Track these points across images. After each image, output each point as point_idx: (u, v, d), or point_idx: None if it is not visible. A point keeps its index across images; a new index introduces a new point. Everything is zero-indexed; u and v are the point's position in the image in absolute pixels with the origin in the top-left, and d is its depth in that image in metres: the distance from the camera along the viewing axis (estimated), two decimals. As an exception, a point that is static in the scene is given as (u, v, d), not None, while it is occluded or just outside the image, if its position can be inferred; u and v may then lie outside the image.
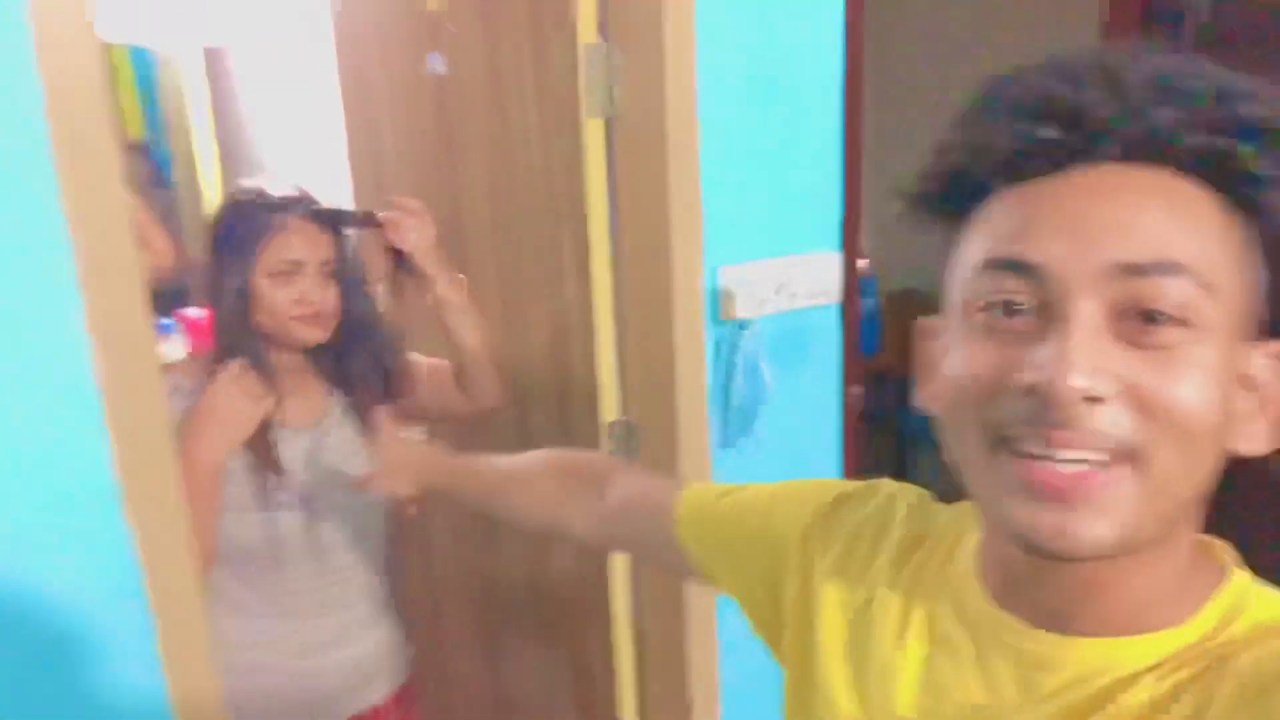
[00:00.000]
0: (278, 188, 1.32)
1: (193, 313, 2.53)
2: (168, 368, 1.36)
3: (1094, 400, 0.45)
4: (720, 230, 1.40)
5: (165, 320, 2.59)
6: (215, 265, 1.30)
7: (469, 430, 1.73)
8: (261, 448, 1.29)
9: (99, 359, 0.92)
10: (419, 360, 1.48)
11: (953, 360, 0.52)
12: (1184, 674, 0.49)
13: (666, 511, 0.82)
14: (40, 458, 0.90)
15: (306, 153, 2.58)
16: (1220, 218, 0.47)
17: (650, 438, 1.48)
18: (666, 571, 0.89)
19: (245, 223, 1.29)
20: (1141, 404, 0.46)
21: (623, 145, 1.44)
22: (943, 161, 0.52)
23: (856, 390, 1.56)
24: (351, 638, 1.41)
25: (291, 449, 1.33)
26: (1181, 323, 0.46)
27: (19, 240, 0.86)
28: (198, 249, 1.36)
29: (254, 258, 1.27)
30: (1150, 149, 0.47)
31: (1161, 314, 0.46)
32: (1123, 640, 0.51)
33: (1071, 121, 0.47)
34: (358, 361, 1.40)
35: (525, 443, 1.68)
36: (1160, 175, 0.47)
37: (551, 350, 1.61)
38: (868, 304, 3.17)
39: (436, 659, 2.04)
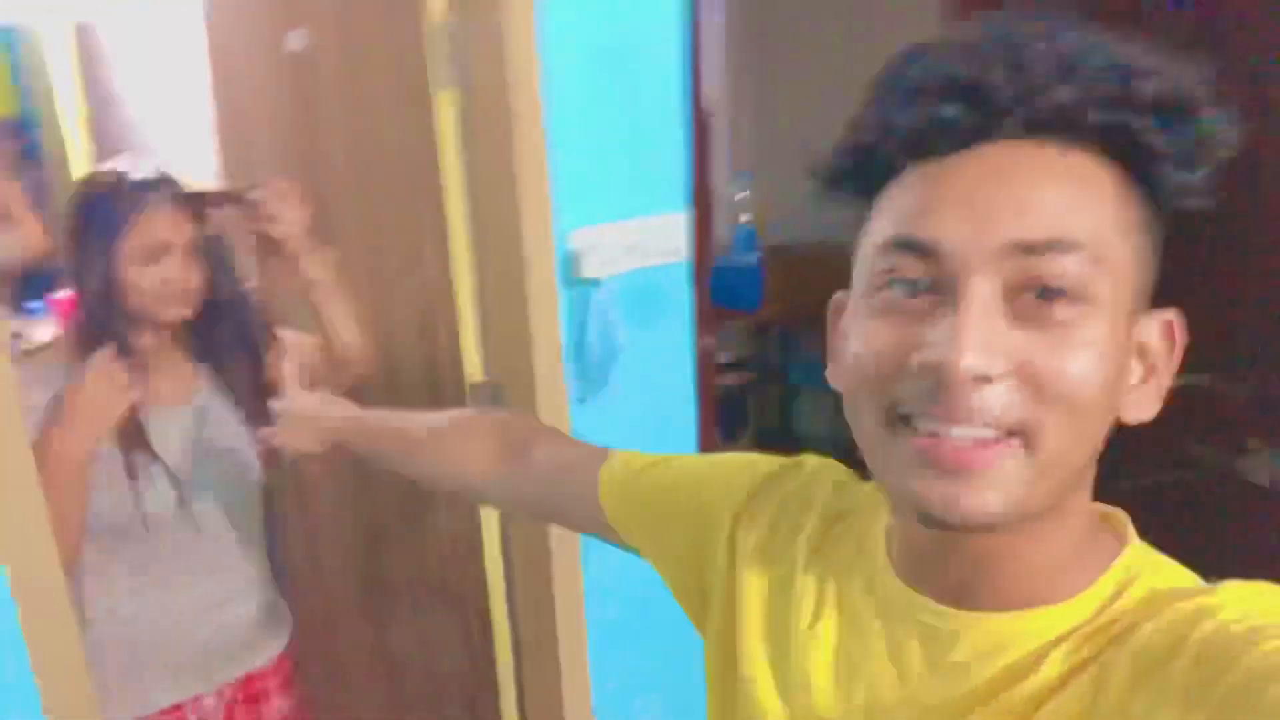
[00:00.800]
0: (139, 169, 1.33)
1: (63, 295, 2.51)
2: (35, 353, 1.38)
3: (985, 379, 0.46)
4: (571, 195, 1.47)
5: (35, 303, 2.56)
6: (77, 249, 1.32)
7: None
8: (130, 428, 1.31)
9: None
10: (287, 334, 1.52)
11: (854, 338, 0.53)
12: (1085, 651, 0.50)
13: (590, 481, 0.81)
14: None
15: (175, 129, 2.56)
16: (1118, 192, 0.49)
17: (512, 397, 1.56)
18: (584, 533, 0.88)
19: (107, 205, 1.30)
20: (1033, 381, 0.47)
21: (472, 117, 1.49)
22: (851, 139, 0.53)
23: (708, 341, 1.65)
24: (227, 603, 1.45)
25: (162, 426, 1.36)
26: (1076, 299, 0.47)
27: None
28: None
29: (118, 241, 1.28)
30: (1051, 126, 0.47)
31: (1056, 290, 0.47)
32: (1023, 614, 0.53)
33: (974, 100, 0.48)
34: (225, 337, 1.44)
35: (395, 406, 1.75)
36: (1061, 151, 0.48)
37: (417, 317, 1.67)
38: (750, 259, 3.28)
39: (319, 623, 2.09)
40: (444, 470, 1.00)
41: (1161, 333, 0.52)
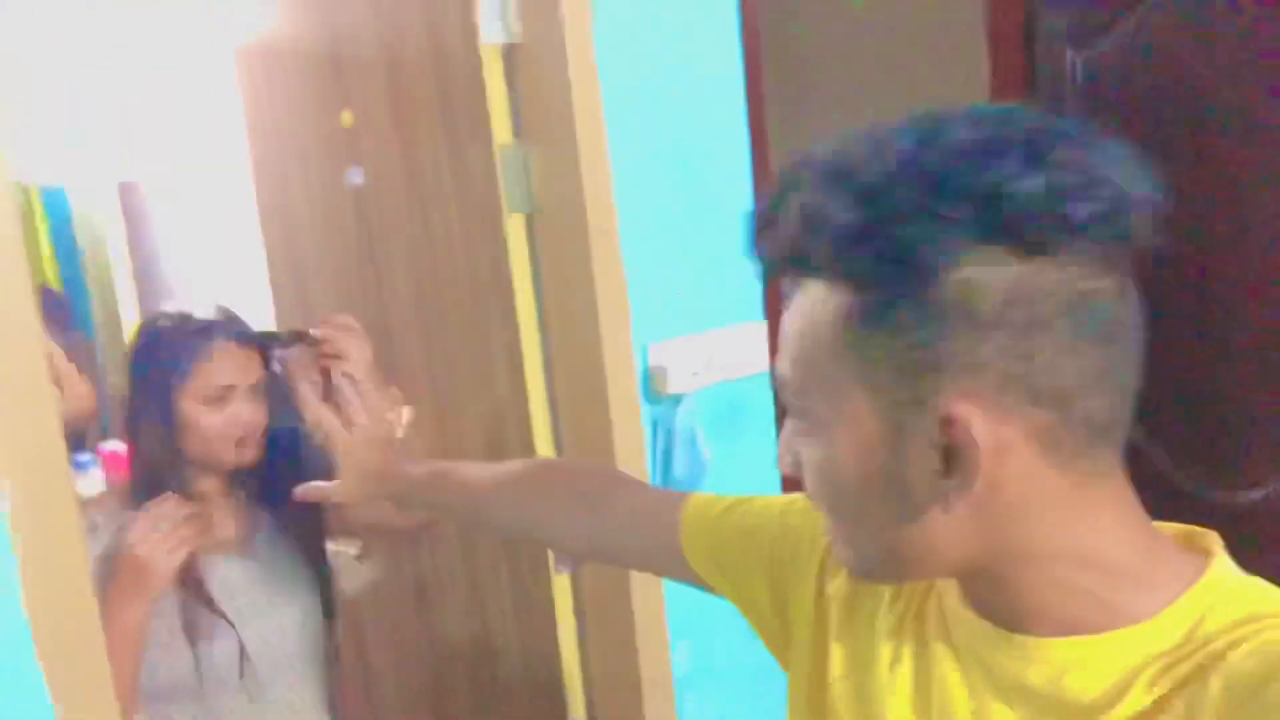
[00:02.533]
0: (200, 310, 1.30)
1: (110, 447, 2.47)
2: (85, 505, 1.31)
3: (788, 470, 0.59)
4: (646, 309, 1.44)
5: (82, 456, 2.52)
6: (138, 391, 1.27)
7: (408, 541, 1.71)
8: (189, 584, 1.23)
9: (14, 501, 0.87)
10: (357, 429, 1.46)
11: None
12: (1172, 679, 0.49)
13: (671, 525, 0.82)
14: None
15: (226, 280, 2.58)
16: (837, 309, 0.52)
17: (596, 522, 1.48)
18: (665, 577, 0.89)
19: (170, 348, 1.26)
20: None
21: (544, 238, 1.47)
22: None
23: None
24: None
25: (223, 577, 1.28)
26: (799, 416, 0.57)
27: None
28: (118, 386, 1.33)
29: (182, 384, 1.24)
30: (790, 271, 0.56)
31: (794, 409, 0.58)
32: (1088, 639, 0.52)
33: (758, 260, 0.58)
34: (287, 479, 1.37)
35: (466, 546, 1.68)
36: (810, 285, 0.54)
37: (489, 446, 1.61)
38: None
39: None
40: (514, 518, 1.01)
41: (937, 426, 0.50)
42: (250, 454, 1.30)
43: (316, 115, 1.81)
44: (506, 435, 1.58)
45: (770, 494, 0.82)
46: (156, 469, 1.25)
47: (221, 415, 1.26)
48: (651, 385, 1.44)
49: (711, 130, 1.54)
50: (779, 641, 0.74)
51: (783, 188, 0.53)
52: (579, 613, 1.56)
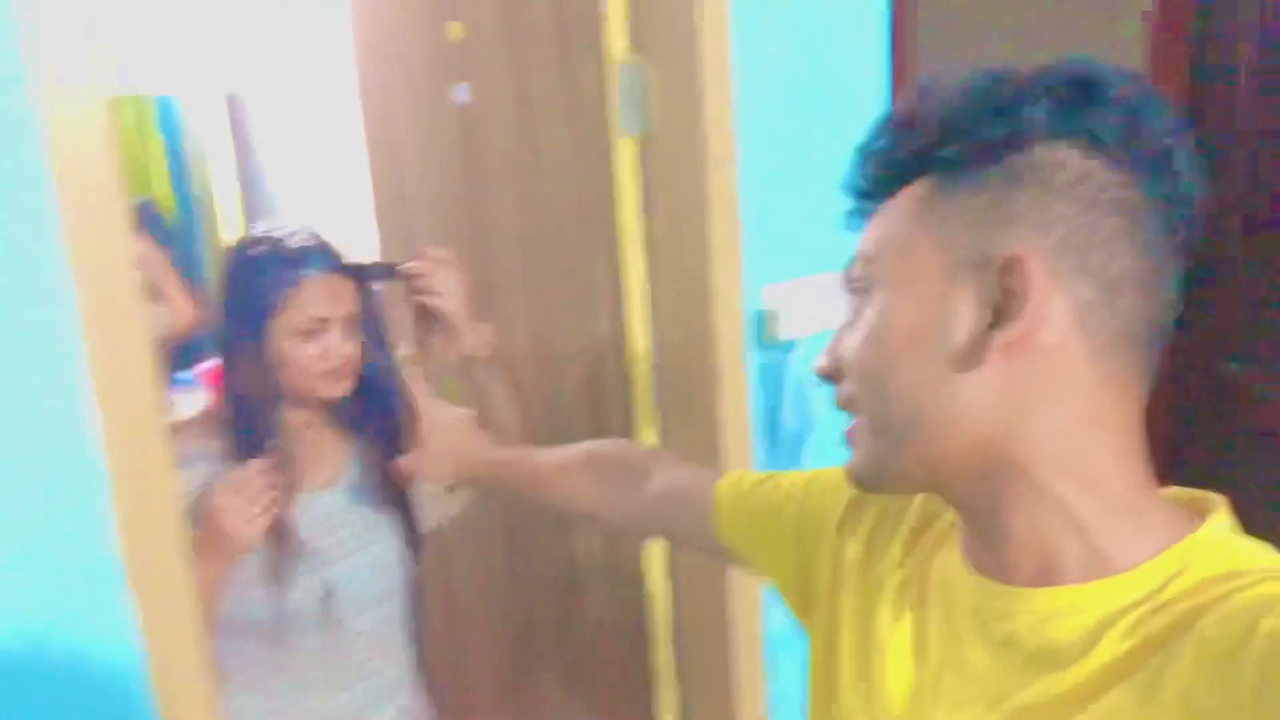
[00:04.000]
0: (295, 238, 1.23)
1: (211, 366, 2.49)
2: (181, 426, 1.29)
3: (826, 372, 0.63)
4: (761, 248, 1.34)
5: (183, 374, 2.55)
6: (230, 321, 1.23)
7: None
8: (277, 533, 1.19)
9: (104, 427, 0.83)
10: (443, 410, 1.41)
11: None
12: (1144, 632, 0.51)
13: (705, 502, 0.88)
14: (40, 528, 0.82)
15: (330, 197, 2.55)
16: (919, 201, 0.59)
17: (694, 470, 1.40)
18: (703, 555, 0.96)
19: (262, 278, 1.20)
20: (847, 364, 0.61)
21: (657, 164, 1.38)
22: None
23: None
24: (367, 710, 1.31)
25: (310, 513, 1.24)
26: (862, 291, 0.61)
27: (20, 299, 0.79)
28: (219, 303, 1.29)
29: (274, 315, 1.19)
30: (886, 183, 0.62)
31: (855, 289, 0.62)
32: (1068, 589, 0.55)
33: (852, 192, 0.65)
34: (377, 413, 1.32)
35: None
36: (903, 190, 0.60)
37: (588, 382, 1.54)
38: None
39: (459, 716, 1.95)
40: (568, 501, 1.08)
41: (995, 275, 0.55)
42: (343, 387, 1.25)
43: (425, 29, 1.73)
44: (605, 376, 1.50)
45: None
46: (248, 400, 1.21)
47: (314, 348, 1.21)
48: (762, 330, 1.35)
49: (848, 63, 1.41)
50: (802, 608, 0.78)
51: (920, 93, 0.60)
52: (672, 564, 1.50)
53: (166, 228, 3.11)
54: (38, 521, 0.82)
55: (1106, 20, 2.14)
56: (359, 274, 1.27)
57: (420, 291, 1.29)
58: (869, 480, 0.62)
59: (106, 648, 0.86)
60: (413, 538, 1.34)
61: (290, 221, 1.29)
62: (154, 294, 2.38)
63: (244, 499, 1.13)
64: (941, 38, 1.95)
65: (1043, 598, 0.56)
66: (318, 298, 1.20)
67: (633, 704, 1.56)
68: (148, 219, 3.08)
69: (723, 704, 1.43)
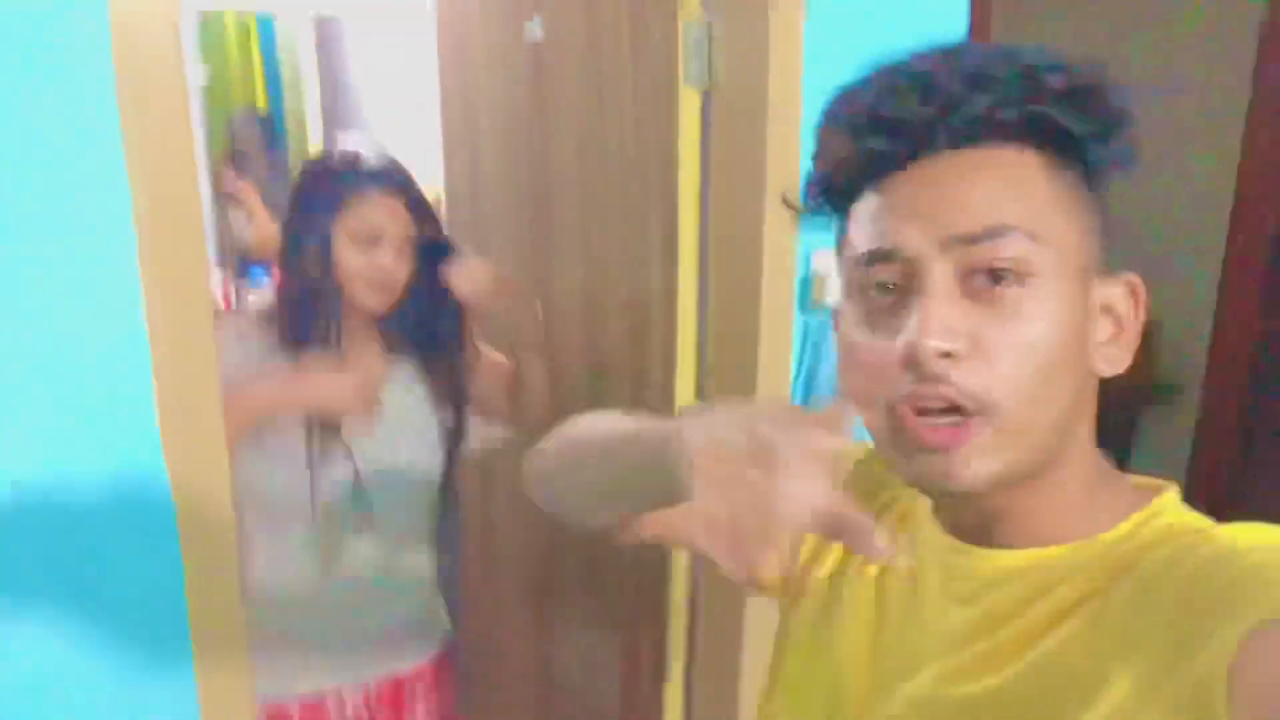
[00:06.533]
0: (370, 156, 1.31)
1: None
2: (240, 313, 1.36)
3: (950, 356, 0.52)
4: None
5: (257, 270, 2.63)
6: (294, 221, 1.31)
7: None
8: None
9: (150, 299, 0.89)
10: (486, 349, 1.46)
11: (846, 343, 0.60)
12: (1092, 583, 0.55)
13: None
14: (86, 398, 0.88)
15: (404, 122, 2.58)
16: (1048, 176, 0.55)
17: (728, 427, 1.41)
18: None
19: (330, 184, 1.28)
20: (986, 357, 0.53)
21: (719, 118, 1.36)
22: (814, 176, 0.61)
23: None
24: (386, 602, 1.39)
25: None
26: (1019, 276, 0.53)
27: (77, 182, 0.84)
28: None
29: (334, 218, 1.26)
30: (973, 132, 0.54)
31: (1001, 271, 0.53)
32: (1033, 550, 0.58)
33: (897, 130, 0.55)
34: (421, 334, 1.38)
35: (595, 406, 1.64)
36: (989, 152, 0.54)
37: (630, 330, 1.56)
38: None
39: (485, 631, 2.01)
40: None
41: (1123, 292, 0.58)
42: (386, 302, 1.31)
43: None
44: (651, 324, 1.51)
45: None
46: (301, 296, 1.28)
47: (365, 258, 1.27)
48: (808, 293, 1.34)
49: (924, 25, 1.37)
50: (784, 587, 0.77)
51: (993, 53, 0.54)
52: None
53: (262, 139, 3.19)
54: (91, 385, 0.87)
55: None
56: (420, 203, 1.32)
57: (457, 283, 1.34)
58: (984, 487, 0.55)
59: (139, 482, 0.92)
60: (452, 455, 1.40)
61: (369, 145, 1.36)
62: (238, 204, 2.46)
63: (342, 379, 1.25)
64: (1022, 13, 1.88)
65: (1006, 559, 0.58)
66: (377, 212, 1.27)
67: (649, 630, 1.60)
68: (246, 128, 3.16)
69: (734, 640, 1.44)
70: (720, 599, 1.48)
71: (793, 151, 1.29)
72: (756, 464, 0.49)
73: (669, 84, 1.39)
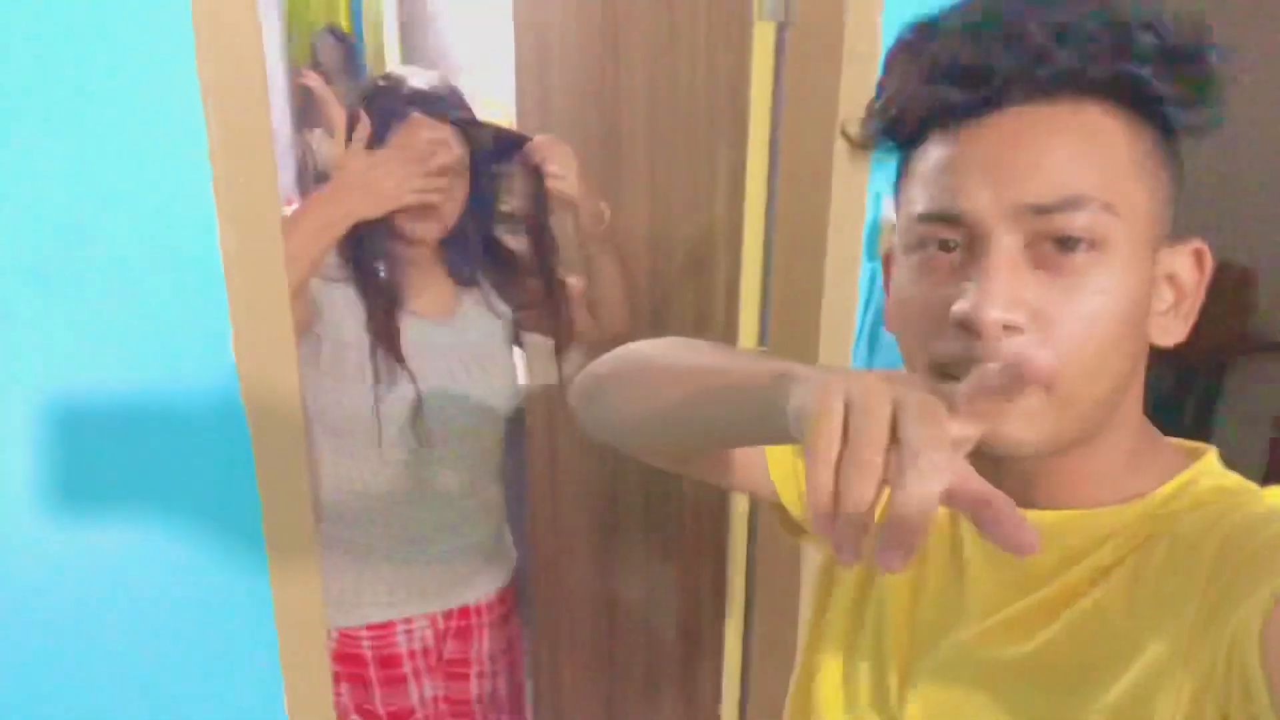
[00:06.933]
0: (418, 79, 1.29)
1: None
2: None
3: (1012, 329, 0.51)
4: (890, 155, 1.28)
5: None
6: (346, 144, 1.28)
7: (602, 349, 1.69)
8: (383, 328, 1.28)
9: (223, 210, 0.90)
10: (558, 275, 1.46)
11: (900, 293, 0.58)
12: (1134, 541, 0.55)
13: (768, 477, 0.80)
14: (165, 304, 0.90)
15: (478, 48, 2.56)
16: (1130, 138, 0.52)
17: (789, 372, 1.40)
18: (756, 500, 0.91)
19: (380, 104, 1.26)
20: (1048, 328, 0.51)
21: (793, 54, 1.32)
22: (877, 109, 0.58)
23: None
24: (450, 531, 1.41)
25: (415, 335, 1.32)
26: (1091, 248, 0.51)
27: (150, 101, 0.85)
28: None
29: (381, 142, 1.24)
30: (1056, 88, 0.51)
31: (1072, 241, 0.51)
32: (1075, 512, 0.57)
33: (977, 79, 0.52)
34: (479, 260, 1.39)
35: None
36: (1073, 109, 0.52)
37: (694, 269, 1.54)
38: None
39: (548, 560, 2.05)
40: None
41: (1190, 261, 0.56)
42: (435, 229, 1.30)
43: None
44: (715, 262, 1.49)
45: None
46: (354, 230, 1.24)
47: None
48: (876, 240, 1.30)
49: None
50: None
51: (1083, 4, 0.51)
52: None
53: (342, 58, 3.21)
54: (164, 299, 0.89)
55: None
56: (470, 125, 1.31)
57: (538, 170, 1.33)
58: (1029, 452, 0.54)
59: (213, 401, 0.94)
60: (519, 382, 1.42)
61: (430, 70, 1.35)
62: (321, 119, 2.48)
63: (403, 164, 1.21)
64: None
65: (1050, 519, 0.57)
66: (417, 136, 1.24)
67: (710, 564, 1.62)
68: (326, 46, 3.18)
69: (792, 574, 1.45)
70: (779, 534, 1.48)
71: (867, 91, 1.23)
72: (881, 450, 0.42)
73: (742, 17, 1.34)
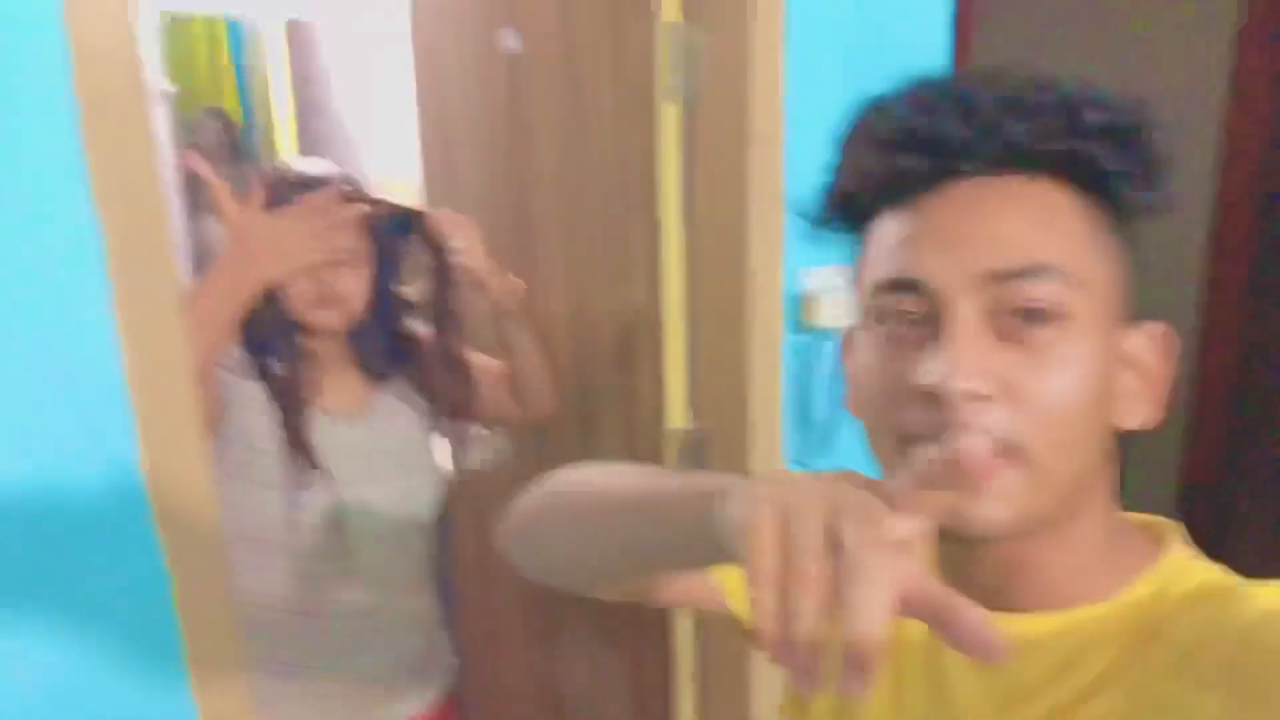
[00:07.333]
0: (306, 166, 1.25)
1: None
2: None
3: (980, 398, 0.50)
4: (805, 228, 1.28)
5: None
6: None
7: (529, 435, 1.65)
8: (293, 429, 1.21)
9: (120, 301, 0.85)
10: (474, 358, 1.41)
11: (861, 369, 0.57)
12: (1123, 650, 0.53)
13: (716, 588, 0.78)
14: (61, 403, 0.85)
15: (379, 131, 2.52)
16: (1082, 214, 0.52)
17: (720, 450, 1.38)
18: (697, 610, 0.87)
19: (273, 194, 1.19)
20: (1017, 401, 0.50)
21: (701, 133, 1.32)
22: (831, 186, 0.58)
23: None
24: (383, 643, 1.34)
25: (329, 436, 1.26)
26: (1054, 318, 0.50)
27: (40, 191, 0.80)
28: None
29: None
30: (1008, 162, 0.52)
31: (1035, 312, 0.50)
32: (1055, 614, 0.55)
33: (931, 148, 0.52)
34: (388, 350, 1.33)
35: (587, 449, 1.61)
36: (1023, 183, 0.52)
37: (617, 351, 1.52)
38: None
39: (484, 653, 1.98)
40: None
41: (1152, 345, 0.56)
42: (341, 320, 1.25)
43: (476, -32, 1.68)
44: (638, 345, 1.47)
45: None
46: (256, 323, 1.19)
47: (305, 275, 1.20)
48: (800, 314, 1.30)
49: (907, 45, 1.32)
50: None
51: (1034, 81, 0.52)
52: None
53: (226, 142, 3.12)
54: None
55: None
56: (375, 210, 1.26)
57: (440, 248, 1.30)
58: (1001, 532, 0.52)
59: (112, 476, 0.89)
60: (442, 477, 1.36)
61: (321, 158, 1.30)
62: (208, 206, 2.39)
63: (307, 225, 1.14)
64: (1005, 6, 1.84)
65: (1022, 624, 0.55)
66: (318, 199, 1.18)
67: (656, 652, 1.57)
68: (214, 128, 3.09)
69: (742, 661, 1.42)
70: (728, 622, 1.45)
71: (775, 166, 1.25)
72: (822, 560, 0.39)
73: (648, 95, 1.34)
